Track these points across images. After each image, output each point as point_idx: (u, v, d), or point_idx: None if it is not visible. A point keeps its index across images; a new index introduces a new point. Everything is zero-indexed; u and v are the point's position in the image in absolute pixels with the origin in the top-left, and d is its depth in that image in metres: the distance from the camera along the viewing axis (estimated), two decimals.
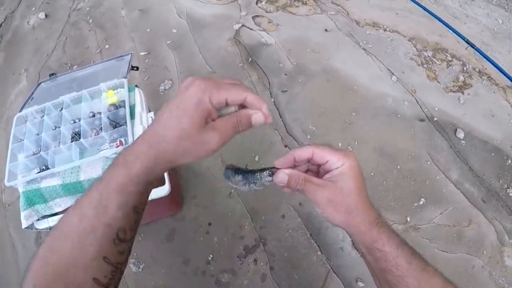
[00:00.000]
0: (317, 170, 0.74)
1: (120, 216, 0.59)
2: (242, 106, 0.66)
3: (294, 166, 0.72)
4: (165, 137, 0.60)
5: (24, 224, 1.47)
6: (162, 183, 1.56)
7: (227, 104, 0.64)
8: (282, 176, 0.69)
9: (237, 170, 0.74)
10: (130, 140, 1.42)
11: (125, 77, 1.66)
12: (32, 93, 1.76)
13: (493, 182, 2.26)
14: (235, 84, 0.66)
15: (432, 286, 0.63)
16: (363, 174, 0.68)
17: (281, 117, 2.58)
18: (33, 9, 3.99)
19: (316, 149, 0.68)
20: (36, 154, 1.46)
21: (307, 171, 0.74)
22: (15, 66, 3.41)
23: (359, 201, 0.66)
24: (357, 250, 0.70)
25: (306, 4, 3.44)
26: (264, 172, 0.71)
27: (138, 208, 0.62)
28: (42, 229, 1.54)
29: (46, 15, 3.84)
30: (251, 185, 0.73)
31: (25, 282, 0.56)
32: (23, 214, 1.46)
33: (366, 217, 0.66)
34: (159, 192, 1.55)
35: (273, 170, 0.71)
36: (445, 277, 0.65)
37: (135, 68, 1.87)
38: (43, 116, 1.58)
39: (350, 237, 0.65)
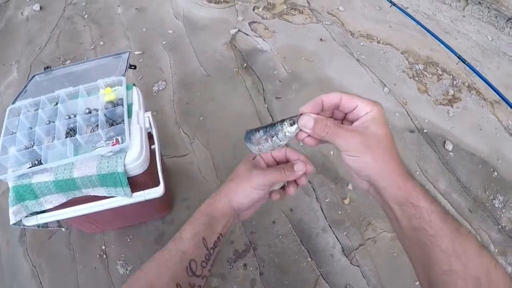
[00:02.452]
0: (342, 119, 0.71)
1: (192, 246, 0.71)
2: None
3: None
4: (226, 181, 0.81)
5: (12, 220, 1.43)
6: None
7: (276, 160, 0.81)
8: (307, 119, 0.65)
9: (257, 128, 0.71)
10: (126, 139, 1.40)
11: (123, 75, 1.64)
12: (26, 86, 1.73)
13: (479, 193, 2.30)
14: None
15: (467, 249, 0.57)
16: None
17: (271, 116, 2.60)
18: (28, 0, 3.95)
19: (344, 95, 0.66)
20: (28, 148, 1.43)
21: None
22: (6, 57, 3.36)
23: (392, 148, 0.64)
24: (384, 211, 0.59)
25: (302, 13, 3.47)
26: (286, 121, 0.67)
27: (207, 242, 0.73)
28: (30, 226, 1.50)
29: (41, 7, 3.81)
30: (273, 138, 0.68)
31: None
32: (11, 210, 1.42)
33: (399, 166, 0.63)
34: (153, 193, 1.53)
35: (294, 119, 0.67)
36: (479, 241, 0.60)
37: (132, 67, 1.86)
38: (37, 109, 1.55)
39: (380, 192, 0.58)
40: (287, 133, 0.68)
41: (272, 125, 0.69)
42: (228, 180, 0.80)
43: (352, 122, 0.67)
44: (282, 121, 0.68)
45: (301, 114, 0.66)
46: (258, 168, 0.78)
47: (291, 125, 0.67)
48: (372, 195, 0.70)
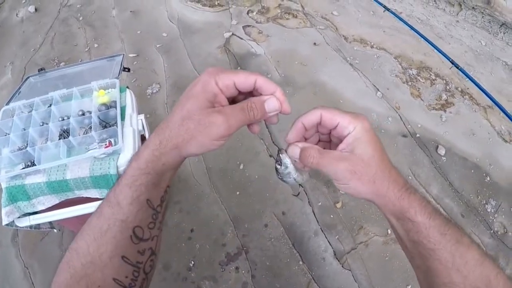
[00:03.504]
0: (328, 139, 0.68)
1: (134, 212, 0.58)
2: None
3: (305, 139, 0.67)
4: (170, 121, 0.58)
5: (5, 221, 1.43)
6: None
7: (238, 90, 0.61)
8: (293, 149, 0.63)
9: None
10: (119, 141, 1.41)
11: (117, 78, 1.65)
12: (20, 87, 1.73)
13: (472, 197, 2.32)
14: (246, 70, 0.63)
15: (468, 261, 0.55)
16: (376, 135, 0.62)
17: (267, 127, 2.60)
18: (23, 1, 3.97)
19: (324, 111, 0.61)
20: (22, 149, 1.43)
21: (318, 143, 0.69)
22: (0, 58, 3.37)
23: (384, 167, 0.60)
24: (388, 221, 0.58)
25: (296, 17, 3.49)
26: (276, 164, 0.68)
27: (152, 203, 0.60)
28: (23, 227, 1.50)
29: (36, 9, 3.82)
30: (285, 179, 0.70)
31: (51, 286, 0.56)
32: (4, 211, 1.42)
33: (393, 184, 0.59)
34: None
35: (277, 158, 0.67)
36: (482, 249, 0.58)
37: (126, 70, 1.86)
38: (30, 111, 1.55)
39: (378, 208, 0.58)
40: (285, 172, 0.68)
41: (276, 170, 0.70)
42: (176, 122, 0.58)
43: (338, 139, 0.64)
44: (275, 165, 0.69)
45: (280, 149, 0.67)
46: (218, 110, 0.58)
47: (279, 165, 0.67)
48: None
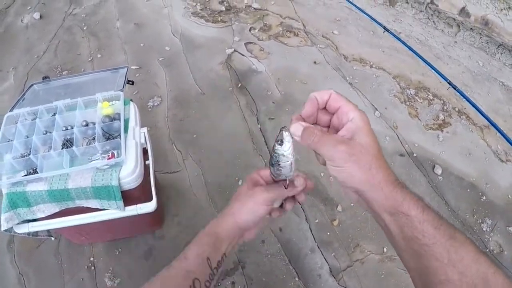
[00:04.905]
0: (327, 125, 0.71)
1: (195, 265, 0.73)
2: None
3: (317, 119, 0.71)
4: (230, 203, 0.83)
5: (4, 227, 1.44)
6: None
7: (274, 180, 0.81)
8: (296, 127, 0.67)
9: (270, 165, 0.76)
10: (122, 153, 1.43)
11: (121, 90, 1.67)
12: (24, 94, 1.75)
13: (467, 217, 2.34)
14: None
15: (463, 257, 0.55)
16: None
17: (266, 144, 2.62)
18: (29, 8, 4.01)
19: (334, 92, 0.67)
20: (24, 156, 1.44)
21: (314, 124, 0.72)
22: (3, 63, 3.39)
23: (379, 157, 0.62)
24: (376, 221, 0.61)
25: (297, 35, 3.55)
26: (275, 144, 0.69)
27: (211, 262, 0.74)
28: (21, 233, 1.51)
29: (40, 16, 3.86)
30: (280, 164, 0.71)
31: None
32: (3, 216, 1.43)
33: (387, 176, 0.61)
34: (145, 207, 1.55)
35: (279, 137, 0.68)
36: (477, 246, 0.57)
37: (130, 82, 1.89)
38: (34, 118, 1.57)
39: (369, 204, 0.58)
40: (284, 153, 0.69)
41: (271, 156, 0.72)
42: (232, 200, 0.82)
43: (337, 130, 0.67)
44: (274, 145, 0.70)
45: (283, 127, 0.68)
46: (260, 186, 0.81)
47: (280, 144, 0.68)
48: (363, 207, 0.68)
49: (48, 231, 1.66)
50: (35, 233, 1.59)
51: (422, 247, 0.57)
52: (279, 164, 0.71)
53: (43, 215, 1.48)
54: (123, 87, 1.72)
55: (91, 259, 2.07)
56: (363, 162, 0.60)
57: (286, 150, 0.69)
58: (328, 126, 0.71)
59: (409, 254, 0.61)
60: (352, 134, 0.63)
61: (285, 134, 0.67)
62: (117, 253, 2.10)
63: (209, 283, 0.73)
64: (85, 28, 3.68)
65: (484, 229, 2.30)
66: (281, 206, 0.84)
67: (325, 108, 0.69)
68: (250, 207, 0.78)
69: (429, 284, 0.58)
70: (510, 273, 2.15)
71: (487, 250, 2.22)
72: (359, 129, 0.63)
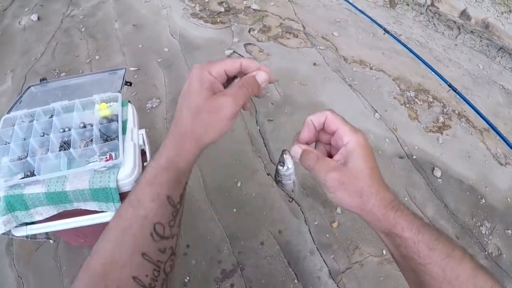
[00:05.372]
0: (328, 141, 0.71)
1: (154, 208, 0.59)
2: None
3: (318, 136, 0.71)
4: (182, 119, 0.63)
5: (2, 230, 1.43)
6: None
7: (227, 76, 0.66)
8: (296, 150, 0.68)
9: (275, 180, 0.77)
10: (120, 155, 1.42)
11: (119, 92, 1.67)
12: (21, 96, 1.75)
13: (467, 219, 2.33)
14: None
15: (460, 275, 0.55)
16: (373, 152, 0.64)
17: (265, 145, 2.62)
18: (26, 9, 4.00)
19: (330, 114, 0.66)
20: (21, 159, 1.44)
21: (316, 142, 0.73)
22: (1, 65, 3.39)
23: (372, 183, 0.61)
24: (378, 236, 0.63)
25: (297, 37, 3.54)
26: (278, 165, 0.73)
27: (173, 199, 0.62)
28: (19, 236, 1.51)
29: (38, 18, 3.86)
30: (283, 182, 0.74)
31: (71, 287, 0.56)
32: (1, 220, 1.42)
33: (380, 200, 0.61)
34: None
35: (281, 158, 0.71)
36: (475, 261, 0.57)
37: (128, 84, 1.88)
38: (31, 120, 1.56)
39: (367, 223, 0.60)
40: (285, 173, 0.73)
41: (275, 173, 0.75)
42: (186, 119, 0.63)
43: (337, 149, 0.67)
44: (277, 166, 0.73)
45: (284, 150, 0.71)
46: (222, 93, 0.64)
47: (282, 166, 0.72)
48: None
49: (46, 233, 1.65)
50: (34, 236, 1.58)
51: (418, 266, 0.58)
52: (282, 183, 0.75)
53: (41, 218, 1.48)
54: (121, 89, 1.71)
55: None
56: (353, 190, 0.61)
57: (286, 170, 0.72)
58: (330, 143, 0.71)
59: (406, 269, 0.61)
60: (346, 159, 0.63)
61: (286, 156, 0.71)
62: None
63: (173, 222, 0.62)
64: (83, 30, 3.68)
65: (483, 232, 2.30)
66: None
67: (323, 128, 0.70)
68: (217, 124, 0.63)
69: None
70: (509, 276, 2.15)
71: (486, 253, 2.21)
72: (352, 153, 0.63)
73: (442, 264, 0.56)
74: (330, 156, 0.70)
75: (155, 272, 0.58)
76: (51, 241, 1.98)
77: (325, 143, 0.73)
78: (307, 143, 0.71)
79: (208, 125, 0.62)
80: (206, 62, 0.65)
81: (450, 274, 0.55)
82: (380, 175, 0.64)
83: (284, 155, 0.71)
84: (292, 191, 0.80)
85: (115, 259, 0.56)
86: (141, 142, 1.62)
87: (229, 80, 0.69)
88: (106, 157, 1.43)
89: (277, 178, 0.75)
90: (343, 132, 0.64)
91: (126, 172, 1.42)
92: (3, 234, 1.45)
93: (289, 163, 0.71)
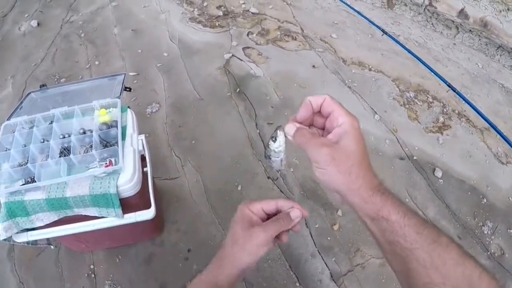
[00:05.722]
0: (322, 126, 0.74)
1: None
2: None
3: (313, 120, 0.75)
4: (225, 244, 0.79)
5: (3, 236, 1.43)
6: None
7: (266, 212, 0.81)
8: (290, 127, 0.72)
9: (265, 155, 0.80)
10: (120, 160, 1.42)
11: (118, 97, 1.67)
12: (21, 102, 1.75)
13: (468, 220, 2.33)
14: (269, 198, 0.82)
15: (446, 262, 0.55)
16: (364, 140, 0.66)
17: (265, 149, 2.61)
18: (26, 15, 4.01)
19: (328, 97, 0.69)
20: (22, 165, 1.44)
21: (310, 127, 0.75)
22: (1, 71, 3.39)
23: (362, 163, 0.64)
24: (364, 224, 0.66)
25: (295, 39, 3.55)
26: (269, 140, 0.76)
27: None
28: (20, 242, 1.51)
29: (38, 24, 3.86)
30: (272, 158, 0.78)
31: None
32: (2, 226, 1.42)
33: (367, 182, 0.63)
34: (144, 215, 1.54)
35: (274, 134, 0.74)
36: (462, 248, 0.58)
37: (127, 89, 1.89)
38: (31, 127, 1.57)
39: (351, 207, 0.61)
40: (275, 149, 0.76)
41: (265, 149, 0.79)
42: (228, 245, 0.78)
43: (330, 132, 0.70)
44: (269, 141, 0.77)
45: (279, 126, 0.75)
46: (257, 225, 0.78)
47: (274, 141, 0.75)
48: (348, 208, 0.71)
49: (47, 239, 1.65)
50: (35, 242, 1.59)
51: (404, 251, 0.58)
52: (270, 158, 0.79)
53: (42, 224, 1.48)
54: (120, 94, 1.71)
55: (91, 266, 2.07)
56: (343, 167, 0.63)
57: (277, 147, 0.76)
58: (323, 129, 0.74)
59: (393, 256, 0.62)
60: (339, 138, 0.65)
61: (279, 132, 0.75)
62: (117, 260, 2.09)
63: None
64: (82, 35, 3.68)
65: (485, 232, 2.29)
66: (277, 236, 0.82)
67: (320, 111, 0.72)
68: (250, 250, 0.76)
69: (413, 286, 0.58)
70: (511, 275, 2.15)
71: (488, 253, 2.21)
72: (346, 134, 0.65)
73: (428, 250, 0.56)
74: None
75: None
76: (52, 247, 1.98)
77: (318, 127, 0.75)
78: (302, 123, 0.74)
79: (243, 251, 0.76)
80: (249, 200, 0.82)
81: (437, 260, 0.56)
82: (369, 161, 0.66)
83: (278, 131, 0.74)
84: (279, 171, 0.84)
85: None
86: (140, 148, 1.62)
87: (270, 216, 0.81)
88: (106, 163, 1.44)
89: (267, 153, 0.79)
90: (339, 113, 0.67)
91: (126, 177, 1.43)
92: (4, 240, 1.46)
93: (281, 139, 0.75)
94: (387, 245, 0.62)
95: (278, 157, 0.78)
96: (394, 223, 0.59)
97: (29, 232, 1.51)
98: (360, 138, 0.65)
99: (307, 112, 0.71)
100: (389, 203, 0.61)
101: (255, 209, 0.80)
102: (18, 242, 1.51)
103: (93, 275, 2.04)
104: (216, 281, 0.75)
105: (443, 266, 0.55)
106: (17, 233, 1.49)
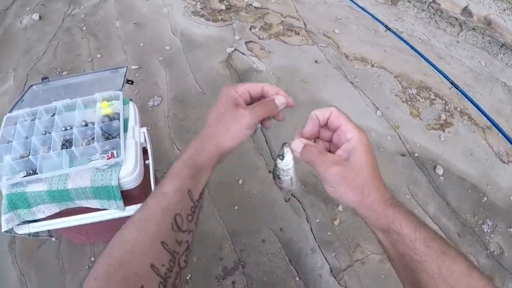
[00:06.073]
0: (329, 139, 0.73)
1: (176, 200, 0.64)
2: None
3: (319, 133, 0.74)
4: (207, 123, 0.73)
5: (4, 228, 1.44)
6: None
7: (251, 96, 0.76)
8: (297, 144, 0.70)
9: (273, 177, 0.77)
10: (121, 153, 1.43)
11: (120, 90, 1.67)
12: (23, 95, 1.75)
13: (468, 217, 2.33)
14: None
15: (454, 272, 0.56)
16: (373, 154, 0.66)
17: (267, 143, 2.62)
18: (28, 9, 3.99)
19: (335, 110, 0.69)
20: (24, 157, 1.44)
21: (316, 139, 0.75)
22: (3, 64, 3.38)
23: (373, 178, 0.63)
24: (374, 234, 0.66)
25: (298, 34, 3.54)
26: (277, 159, 0.73)
27: (193, 195, 0.67)
28: (22, 234, 1.51)
29: (40, 17, 3.84)
30: (281, 178, 0.75)
31: (88, 276, 0.57)
32: (4, 218, 1.43)
33: (380, 196, 0.63)
34: None
35: (281, 151, 0.72)
36: (469, 260, 0.59)
37: (130, 82, 1.88)
38: (33, 119, 1.57)
39: (363, 219, 0.62)
40: (284, 168, 0.73)
41: (274, 168, 0.76)
42: (212, 123, 0.73)
43: (337, 147, 0.69)
44: (276, 159, 0.74)
45: (285, 143, 0.73)
46: (243, 107, 0.73)
47: (282, 159, 0.72)
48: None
49: (48, 231, 1.66)
50: (36, 234, 1.59)
51: (414, 263, 0.59)
52: (279, 178, 0.75)
53: (43, 216, 1.48)
54: (122, 87, 1.71)
55: (92, 259, 2.07)
56: (355, 184, 0.63)
57: (285, 164, 0.73)
58: (330, 141, 0.73)
59: (402, 268, 0.62)
60: (348, 154, 0.65)
61: (286, 149, 0.72)
62: None
63: (192, 217, 0.67)
64: (84, 29, 3.67)
65: (485, 230, 2.29)
66: (261, 122, 0.78)
67: (326, 124, 0.71)
68: (234, 132, 0.71)
69: None
70: (510, 274, 2.15)
71: (488, 251, 2.21)
72: (355, 150, 0.64)
73: (438, 261, 0.57)
74: (330, 152, 0.71)
75: (171, 263, 0.60)
76: (53, 239, 1.98)
77: (325, 140, 0.74)
78: (308, 139, 0.72)
79: (227, 131, 0.71)
80: (236, 83, 0.77)
81: (445, 271, 0.56)
82: (379, 173, 0.65)
83: (284, 148, 0.72)
84: (290, 189, 0.79)
85: (135, 248, 0.59)
86: (142, 140, 1.62)
87: (253, 101, 0.77)
88: (108, 155, 1.44)
89: (275, 173, 0.75)
90: (347, 128, 0.66)
91: (128, 170, 1.43)
92: (6, 232, 1.47)
93: (288, 156, 0.72)
94: (397, 257, 0.62)
95: (287, 176, 0.74)
96: (405, 237, 0.59)
97: (31, 224, 1.51)
98: (370, 153, 0.65)
99: (314, 126, 0.71)
100: (401, 216, 0.61)
101: (240, 90, 0.75)
102: (19, 234, 1.51)
103: None
104: (196, 161, 0.70)
105: (451, 277, 0.56)
106: (18, 225, 1.49)
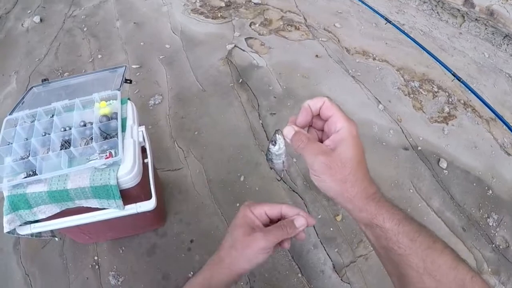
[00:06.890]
0: (322, 128, 0.73)
1: None
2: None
3: (312, 122, 0.74)
4: (222, 246, 0.76)
5: (6, 229, 1.45)
6: None
7: (269, 217, 0.77)
8: (289, 130, 0.71)
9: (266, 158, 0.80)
10: (120, 152, 1.43)
11: (118, 89, 1.67)
12: (23, 97, 1.76)
13: (473, 211, 2.31)
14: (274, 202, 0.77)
15: (440, 266, 0.56)
16: (362, 146, 0.65)
17: (268, 139, 2.61)
18: (29, 11, 4.00)
19: (328, 100, 0.68)
20: (24, 158, 1.45)
21: (309, 128, 0.75)
22: (5, 67, 3.39)
23: (357, 172, 0.63)
24: (359, 228, 0.70)
25: (298, 29, 3.52)
26: (269, 144, 0.76)
27: None
28: (24, 235, 1.52)
29: (41, 19, 3.85)
30: (273, 161, 0.78)
31: None
32: (6, 219, 1.44)
33: (363, 190, 0.63)
34: (145, 206, 1.55)
35: (273, 137, 0.74)
36: (456, 254, 0.59)
37: (128, 81, 1.88)
38: (33, 121, 1.58)
39: (348, 213, 0.62)
40: (276, 153, 0.76)
41: (267, 151, 0.78)
42: (227, 247, 0.74)
43: (328, 136, 0.69)
44: (269, 144, 0.76)
45: (278, 130, 0.74)
46: (258, 230, 0.73)
47: (273, 145, 0.75)
48: None
49: (51, 231, 1.66)
50: (39, 234, 1.60)
51: (398, 257, 0.59)
52: (272, 161, 0.79)
53: (44, 216, 1.49)
54: (120, 87, 1.71)
55: (95, 258, 2.08)
56: (339, 175, 0.63)
57: (277, 150, 0.75)
58: (322, 130, 0.74)
59: (387, 261, 0.63)
60: (336, 145, 0.65)
61: (278, 136, 0.74)
62: (121, 251, 2.10)
63: None
64: (85, 29, 3.68)
65: (490, 224, 2.28)
66: (279, 243, 0.78)
67: (319, 114, 0.72)
68: (248, 257, 0.72)
69: None
70: None
71: (493, 245, 2.19)
72: (343, 141, 0.64)
73: (422, 256, 0.57)
74: (321, 142, 0.71)
75: None
76: (56, 239, 2.00)
77: (317, 129, 0.75)
78: (301, 127, 0.73)
79: (240, 255, 0.72)
80: (252, 202, 0.79)
81: (431, 266, 0.57)
82: (367, 168, 0.65)
83: (277, 135, 0.74)
84: (283, 171, 0.82)
85: None
86: (141, 139, 1.62)
87: (273, 222, 0.77)
88: (106, 155, 1.44)
89: (268, 157, 0.78)
90: (338, 118, 0.66)
91: (126, 169, 1.43)
92: (8, 232, 1.47)
93: (280, 143, 0.74)
94: (382, 251, 0.63)
95: (279, 160, 0.77)
96: (388, 231, 0.60)
97: (32, 225, 1.52)
98: (358, 145, 0.65)
99: (307, 116, 0.71)
100: (384, 210, 0.61)
101: (257, 212, 0.76)
102: (21, 235, 1.52)
103: (97, 266, 2.06)
104: (210, 284, 0.72)
105: (437, 271, 0.56)
106: (20, 225, 1.50)
